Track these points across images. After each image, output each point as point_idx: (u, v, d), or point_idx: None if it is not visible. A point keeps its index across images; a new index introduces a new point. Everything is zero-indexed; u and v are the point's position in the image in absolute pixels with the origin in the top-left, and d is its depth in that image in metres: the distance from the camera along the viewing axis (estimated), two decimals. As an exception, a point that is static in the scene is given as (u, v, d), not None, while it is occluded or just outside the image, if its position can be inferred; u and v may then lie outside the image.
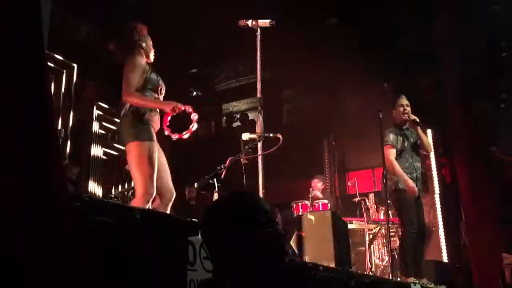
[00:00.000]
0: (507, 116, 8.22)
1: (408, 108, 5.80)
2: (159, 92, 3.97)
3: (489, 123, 8.25)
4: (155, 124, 3.87)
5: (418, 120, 5.74)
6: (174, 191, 3.99)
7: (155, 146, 3.78)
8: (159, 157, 3.84)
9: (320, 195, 7.89)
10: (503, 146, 8.14)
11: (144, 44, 4.00)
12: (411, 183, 5.43)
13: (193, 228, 2.30)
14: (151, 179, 3.65)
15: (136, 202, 3.63)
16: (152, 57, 4.09)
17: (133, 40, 3.95)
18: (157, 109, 3.90)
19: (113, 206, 1.88)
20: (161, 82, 3.99)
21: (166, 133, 3.93)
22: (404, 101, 5.84)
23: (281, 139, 3.88)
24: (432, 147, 6.25)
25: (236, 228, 1.63)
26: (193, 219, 2.37)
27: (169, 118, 3.94)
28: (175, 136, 3.91)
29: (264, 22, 4.22)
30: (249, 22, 4.22)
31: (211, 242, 1.71)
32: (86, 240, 1.60)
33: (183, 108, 3.82)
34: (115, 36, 4.08)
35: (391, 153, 5.62)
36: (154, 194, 3.70)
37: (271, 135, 4.01)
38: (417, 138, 5.81)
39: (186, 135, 3.91)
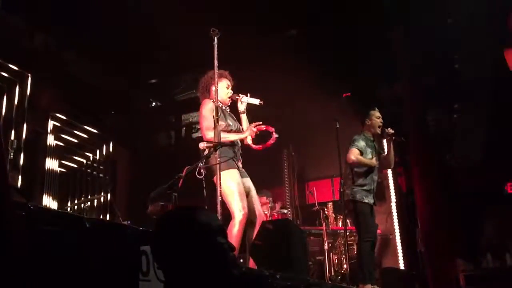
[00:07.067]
0: (461, 126, 8.49)
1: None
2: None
3: (443, 133, 8.48)
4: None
5: (394, 134, 5.75)
6: (263, 214, 4.67)
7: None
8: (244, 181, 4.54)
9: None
10: (457, 155, 8.38)
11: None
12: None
13: (147, 237, 2.26)
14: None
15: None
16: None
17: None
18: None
19: (61, 215, 1.83)
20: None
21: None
22: (378, 113, 5.88)
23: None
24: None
25: (186, 240, 1.63)
26: (147, 229, 2.34)
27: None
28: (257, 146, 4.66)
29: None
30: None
31: (161, 253, 1.70)
32: (33, 249, 1.55)
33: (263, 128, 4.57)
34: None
35: (355, 153, 5.59)
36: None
37: (229, 144, 4.02)
38: (387, 152, 5.96)
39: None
